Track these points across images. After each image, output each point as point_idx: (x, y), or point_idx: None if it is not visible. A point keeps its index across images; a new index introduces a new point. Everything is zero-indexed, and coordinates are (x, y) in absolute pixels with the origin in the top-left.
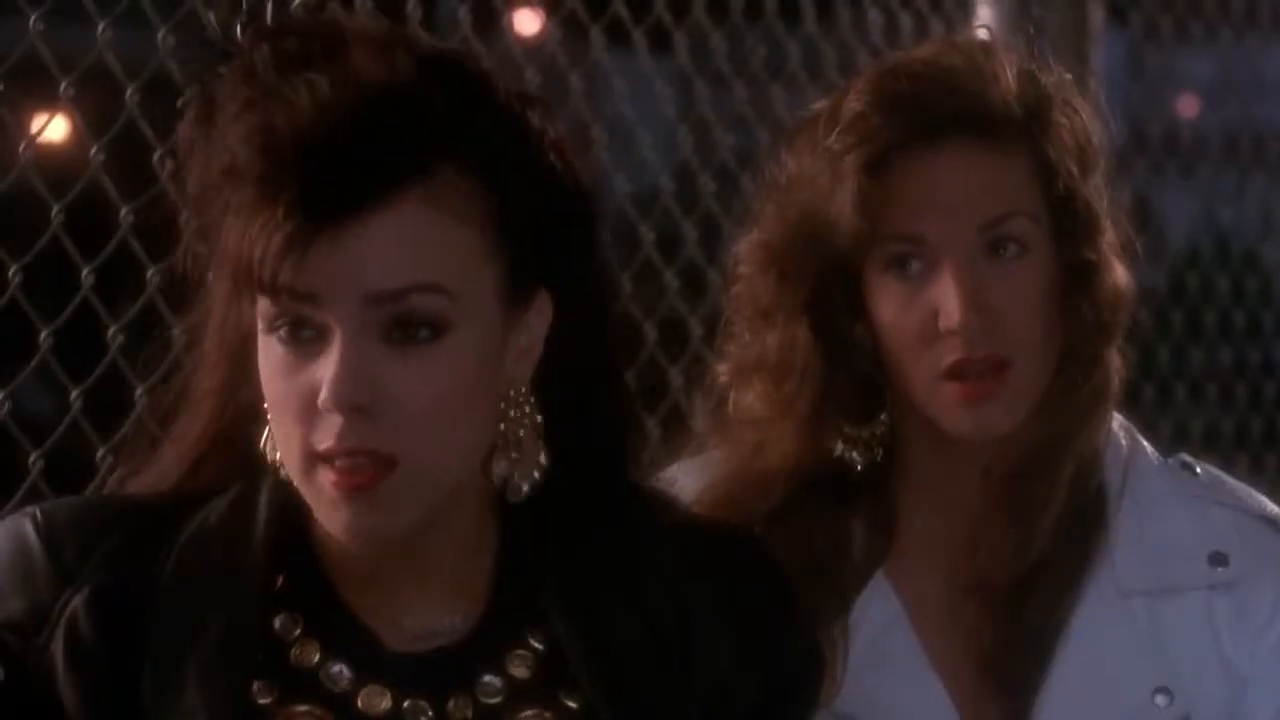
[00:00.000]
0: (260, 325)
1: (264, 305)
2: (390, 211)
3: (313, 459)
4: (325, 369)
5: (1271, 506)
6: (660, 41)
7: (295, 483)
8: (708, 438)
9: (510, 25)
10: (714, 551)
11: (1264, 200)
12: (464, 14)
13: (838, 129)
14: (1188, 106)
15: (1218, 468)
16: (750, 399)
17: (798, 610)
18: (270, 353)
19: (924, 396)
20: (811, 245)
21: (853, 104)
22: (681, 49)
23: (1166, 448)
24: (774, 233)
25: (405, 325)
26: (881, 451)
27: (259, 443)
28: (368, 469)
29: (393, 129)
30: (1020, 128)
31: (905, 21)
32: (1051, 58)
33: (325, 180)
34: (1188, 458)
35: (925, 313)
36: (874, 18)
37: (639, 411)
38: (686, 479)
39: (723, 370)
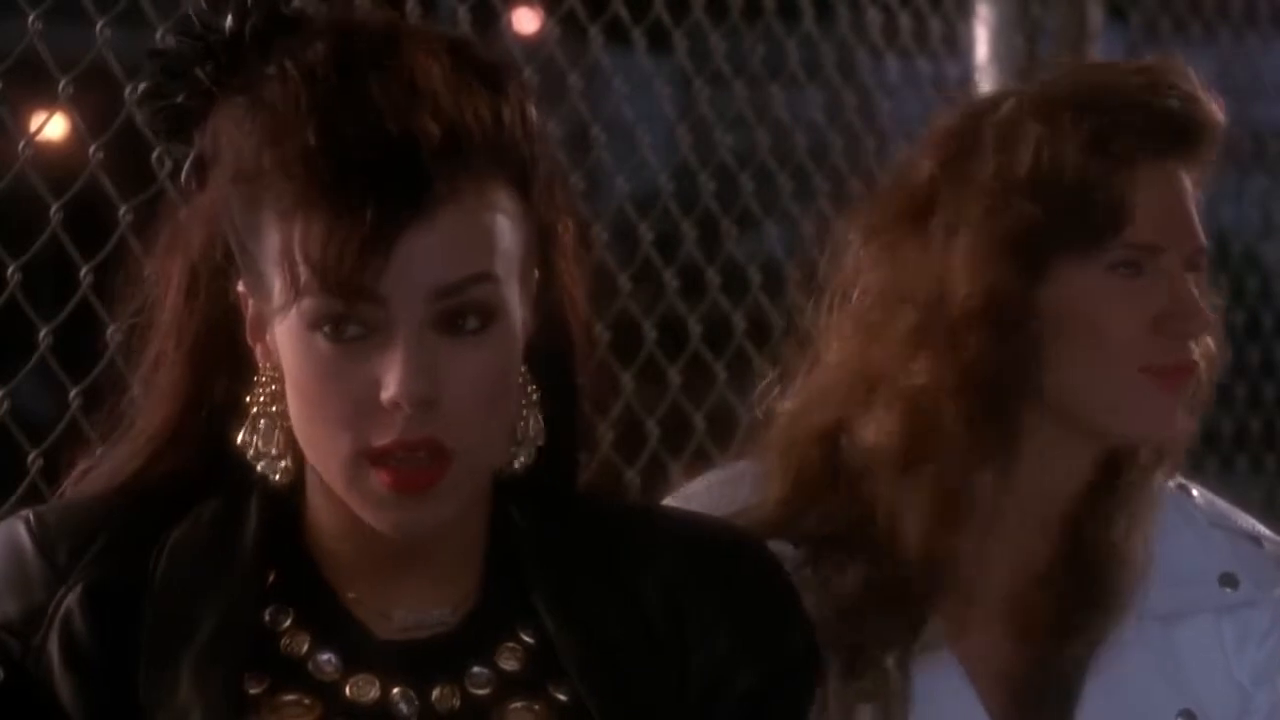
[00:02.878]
0: (295, 323)
1: (309, 304)
2: (449, 207)
3: (362, 459)
4: (384, 366)
5: (1259, 526)
6: (659, 41)
7: (334, 482)
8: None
9: (509, 24)
10: (709, 543)
11: (1263, 200)
12: (463, 13)
13: (1104, 121)
14: None
15: (1216, 468)
16: (942, 419)
17: (795, 602)
18: (312, 352)
19: (1114, 390)
20: (1062, 235)
21: (1114, 101)
22: (680, 48)
23: None
24: (1018, 220)
25: (456, 317)
26: None
27: (234, 440)
28: (426, 467)
29: (452, 130)
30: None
31: (904, 21)
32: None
33: (396, 182)
34: (1183, 480)
35: (1152, 311)
36: (873, 17)
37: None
38: (729, 489)
39: (921, 384)
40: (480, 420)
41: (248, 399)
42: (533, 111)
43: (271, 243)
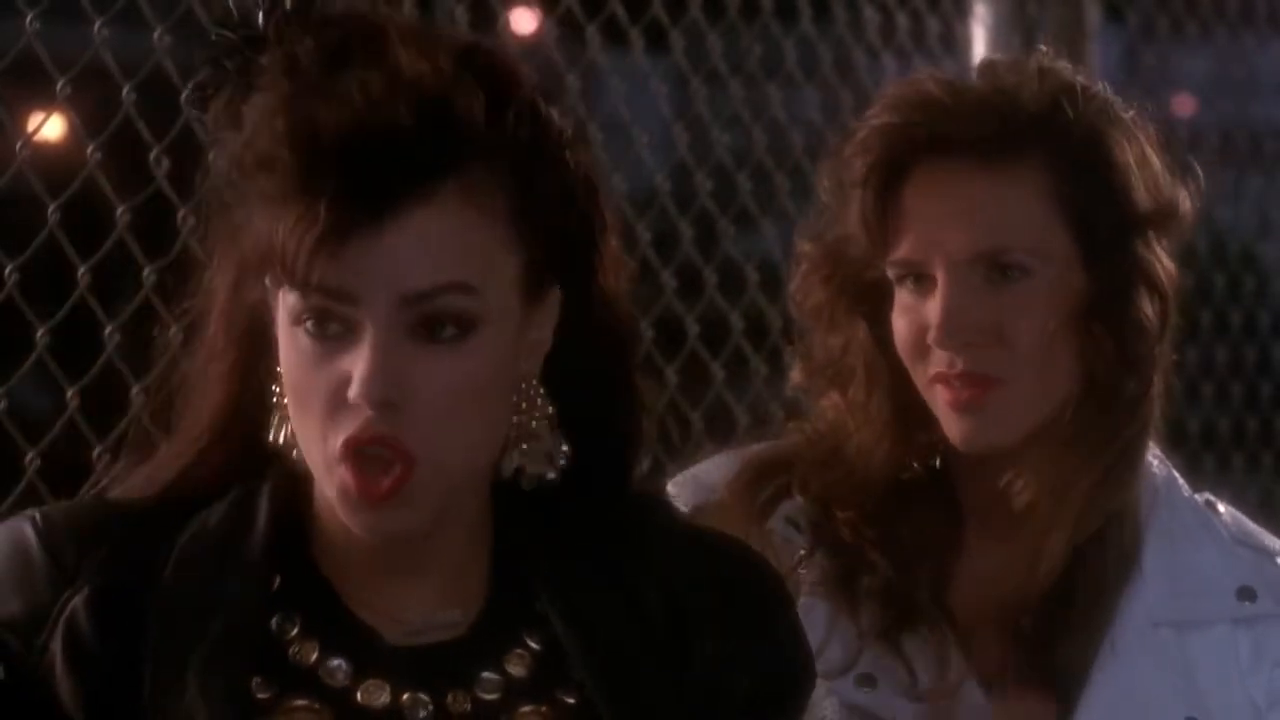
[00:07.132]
0: (285, 316)
1: (292, 298)
2: (426, 209)
3: (334, 457)
4: (355, 363)
5: None
6: (656, 40)
7: (320, 480)
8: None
9: (507, 24)
10: (708, 553)
11: (1260, 199)
12: (461, 12)
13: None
14: (1183, 105)
15: (1213, 467)
16: (828, 404)
17: (791, 616)
18: (296, 344)
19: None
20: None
21: None
22: (678, 48)
23: (1163, 448)
24: None
25: (432, 323)
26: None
27: (266, 431)
28: (385, 472)
29: (434, 127)
30: None
31: (902, 20)
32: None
33: (366, 178)
34: (1210, 496)
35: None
36: (870, 17)
37: (642, 412)
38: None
39: (796, 374)
40: (449, 428)
41: (276, 391)
42: (551, 116)
43: (261, 236)
